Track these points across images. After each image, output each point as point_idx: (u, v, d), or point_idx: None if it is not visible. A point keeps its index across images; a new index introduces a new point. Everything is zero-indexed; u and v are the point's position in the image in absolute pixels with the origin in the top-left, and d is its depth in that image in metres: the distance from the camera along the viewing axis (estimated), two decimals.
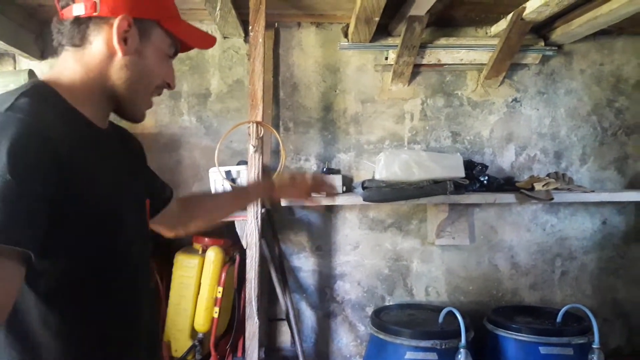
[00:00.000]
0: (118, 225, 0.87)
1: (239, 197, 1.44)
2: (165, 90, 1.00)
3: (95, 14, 0.86)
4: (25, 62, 2.55)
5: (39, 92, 0.84)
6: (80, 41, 0.88)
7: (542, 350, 2.23)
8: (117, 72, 0.89)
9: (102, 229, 0.84)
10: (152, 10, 0.91)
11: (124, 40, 0.87)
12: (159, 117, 2.57)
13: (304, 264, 2.69)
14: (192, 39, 0.99)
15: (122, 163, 0.97)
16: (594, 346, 2.18)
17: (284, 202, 2.37)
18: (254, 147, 2.20)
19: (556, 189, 2.53)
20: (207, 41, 1.02)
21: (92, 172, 0.83)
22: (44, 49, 2.53)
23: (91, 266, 0.83)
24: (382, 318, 2.41)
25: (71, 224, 0.78)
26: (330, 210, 2.70)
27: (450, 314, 2.27)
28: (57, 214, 0.75)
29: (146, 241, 1.00)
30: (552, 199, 2.44)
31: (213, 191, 1.47)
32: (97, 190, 0.83)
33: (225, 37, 2.61)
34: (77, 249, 0.80)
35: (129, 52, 0.88)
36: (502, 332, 2.32)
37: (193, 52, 2.58)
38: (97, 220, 0.83)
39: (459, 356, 2.12)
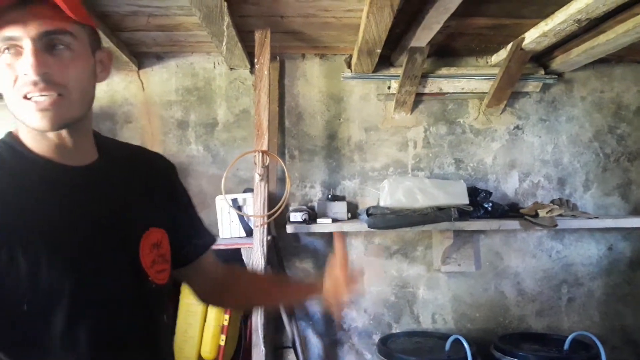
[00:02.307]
0: (72, 267, 0.84)
1: (300, 285, 1.33)
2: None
3: None
4: None
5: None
6: None
7: None
8: None
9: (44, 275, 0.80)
10: None
11: None
12: (167, 146, 2.63)
13: None
14: None
15: (107, 197, 0.93)
16: None
17: (289, 229, 2.39)
18: (259, 175, 2.24)
19: (560, 215, 2.54)
20: None
21: (28, 218, 0.82)
22: None
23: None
24: (389, 346, 2.40)
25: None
26: None
27: (457, 341, 2.26)
28: None
29: (138, 276, 0.93)
30: (557, 225, 2.45)
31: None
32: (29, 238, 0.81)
33: (231, 69, 2.68)
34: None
35: None
36: None
37: (201, 82, 2.67)
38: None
39: None
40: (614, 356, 2.72)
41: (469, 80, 2.68)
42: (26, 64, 0.79)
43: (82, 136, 0.92)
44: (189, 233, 1.11)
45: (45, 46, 0.81)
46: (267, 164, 2.26)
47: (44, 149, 0.88)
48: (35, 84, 0.79)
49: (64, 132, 0.87)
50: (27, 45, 0.79)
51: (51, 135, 0.87)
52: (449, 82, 2.69)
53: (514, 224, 2.47)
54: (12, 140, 0.89)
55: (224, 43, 2.22)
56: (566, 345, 2.35)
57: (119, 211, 0.93)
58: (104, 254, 0.89)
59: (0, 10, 0.79)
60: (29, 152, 0.88)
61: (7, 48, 0.80)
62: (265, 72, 2.30)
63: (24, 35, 0.79)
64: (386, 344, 2.41)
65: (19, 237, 0.79)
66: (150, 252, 0.95)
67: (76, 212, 0.87)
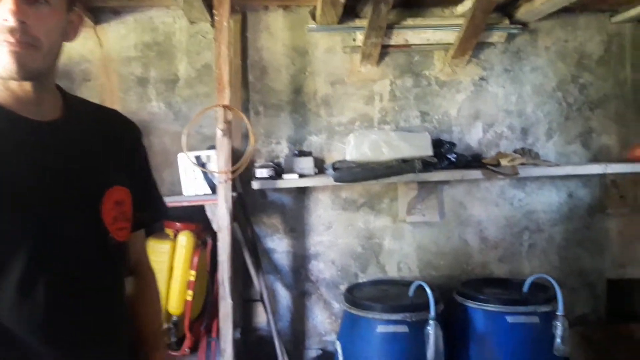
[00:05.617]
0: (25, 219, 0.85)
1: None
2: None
3: None
4: None
5: None
6: None
7: (509, 319, 2.31)
8: None
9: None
10: None
11: None
12: (127, 103, 2.57)
13: (278, 245, 2.74)
14: None
15: (70, 152, 0.94)
16: (558, 314, 2.26)
17: (255, 186, 2.40)
18: (222, 130, 2.22)
19: (522, 164, 2.59)
20: None
21: None
22: None
23: None
24: (355, 294, 2.47)
25: None
26: (303, 192, 2.74)
27: (420, 287, 2.34)
28: None
29: (99, 231, 0.95)
30: (518, 174, 2.51)
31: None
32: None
33: (192, 22, 2.60)
34: None
35: None
36: (470, 304, 2.39)
37: (160, 37, 2.60)
38: None
39: (429, 328, 2.19)
40: (572, 297, 2.85)
41: (435, 31, 2.66)
42: (6, 10, 0.81)
43: (45, 91, 0.93)
44: (145, 201, 1.12)
45: None
46: (229, 119, 2.24)
47: (6, 100, 0.88)
48: (12, 30, 0.82)
49: (27, 85, 0.89)
50: None
51: (14, 86, 0.88)
52: (415, 33, 2.66)
53: (476, 173, 2.52)
54: None
55: None
56: (525, 288, 2.45)
57: (81, 167, 0.95)
58: (65, 206, 0.90)
59: None
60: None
61: None
62: (225, 24, 2.25)
63: None
64: (352, 293, 2.48)
65: None
66: (112, 208, 0.97)
67: (38, 165, 0.88)
